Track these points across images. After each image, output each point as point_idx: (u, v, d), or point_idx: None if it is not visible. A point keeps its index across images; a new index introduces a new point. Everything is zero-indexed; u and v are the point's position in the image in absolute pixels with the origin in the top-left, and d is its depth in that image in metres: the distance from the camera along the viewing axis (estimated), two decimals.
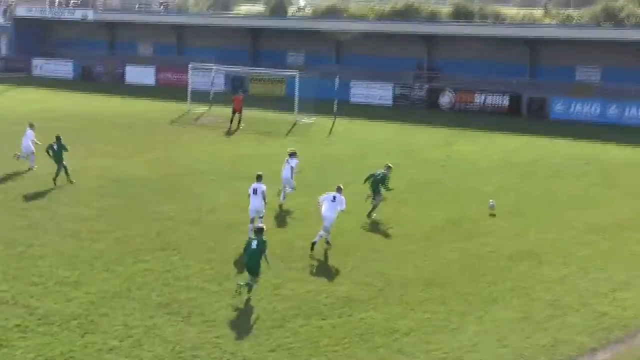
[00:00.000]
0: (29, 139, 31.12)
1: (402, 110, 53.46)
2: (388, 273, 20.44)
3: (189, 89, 50.97)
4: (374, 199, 25.52)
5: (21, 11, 73.42)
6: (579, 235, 24.58)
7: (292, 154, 27.18)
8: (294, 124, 45.81)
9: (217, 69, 52.89)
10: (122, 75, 66.23)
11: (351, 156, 36.66)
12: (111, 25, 71.85)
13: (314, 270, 20.63)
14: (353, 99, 56.27)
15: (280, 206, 26.39)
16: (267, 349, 15.84)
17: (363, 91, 56.89)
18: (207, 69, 52.88)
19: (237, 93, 45.87)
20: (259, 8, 77.44)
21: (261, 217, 22.64)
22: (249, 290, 18.30)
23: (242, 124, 43.61)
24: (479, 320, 17.65)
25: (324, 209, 22.25)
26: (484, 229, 24.88)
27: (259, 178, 22.96)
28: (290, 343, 16.15)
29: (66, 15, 72.01)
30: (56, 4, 74.31)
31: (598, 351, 16.39)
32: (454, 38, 57.88)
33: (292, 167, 26.83)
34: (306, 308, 17.92)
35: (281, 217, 25.53)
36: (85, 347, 15.58)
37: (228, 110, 44.90)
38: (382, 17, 65.29)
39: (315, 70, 55.65)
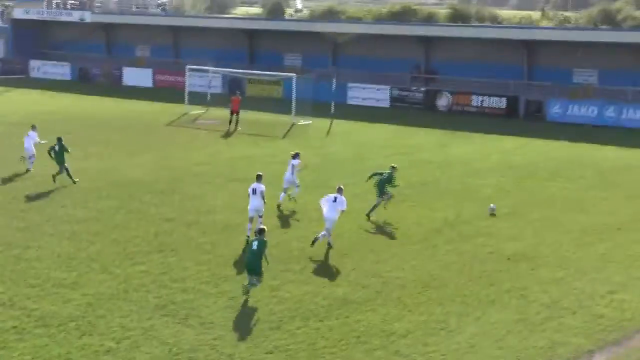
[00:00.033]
0: (31, 141, 31.10)
1: (399, 112, 53.40)
2: (385, 275, 20.45)
3: (187, 91, 50.97)
4: (381, 198, 25.75)
5: (19, 13, 73.34)
6: (576, 237, 24.59)
7: (295, 155, 27.36)
8: (292, 126, 45.78)
9: (215, 71, 52.86)
10: (120, 77, 66.18)
11: (349, 158, 36.66)
12: (108, 27, 71.80)
13: (312, 272, 20.62)
14: (350, 101, 56.24)
15: (278, 206, 26.42)
16: (264, 351, 15.84)
17: (360, 93, 56.85)
18: (204, 70, 52.84)
19: (234, 94, 45.87)
20: (256, 10, 77.59)
21: (261, 217, 22.71)
22: (247, 291, 18.31)
23: (238, 126, 43.58)
24: (477, 322, 17.65)
25: (325, 210, 22.41)
26: (481, 231, 24.89)
27: (258, 178, 23.08)
28: (288, 345, 16.15)
29: (63, 17, 71.93)
30: (54, 5, 74.28)
31: (595, 353, 16.40)
32: (452, 40, 57.89)
33: (293, 166, 26.94)
34: (303, 310, 17.92)
35: (280, 218, 25.53)
36: (83, 349, 15.58)
37: (225, 112, 44.91)
38: (379, 19, 65.34)
39: (313, 72, 55.69)
